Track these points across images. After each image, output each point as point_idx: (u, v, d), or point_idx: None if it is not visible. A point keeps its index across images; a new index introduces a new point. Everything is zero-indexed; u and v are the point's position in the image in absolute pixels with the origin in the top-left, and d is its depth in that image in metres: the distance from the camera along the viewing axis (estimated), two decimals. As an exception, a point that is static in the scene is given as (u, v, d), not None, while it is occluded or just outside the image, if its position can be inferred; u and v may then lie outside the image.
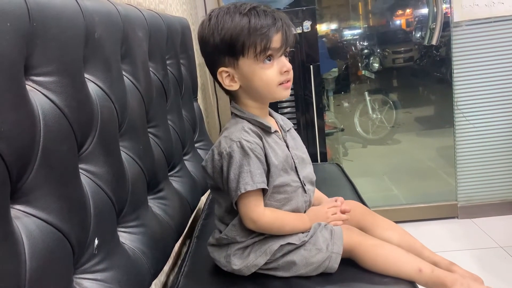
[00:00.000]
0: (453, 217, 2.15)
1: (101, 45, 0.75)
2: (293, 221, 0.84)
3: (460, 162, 2.14)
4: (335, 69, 3.04)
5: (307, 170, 0.91)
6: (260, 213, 0.80)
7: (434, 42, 1.83)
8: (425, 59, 3.15)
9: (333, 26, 3.18)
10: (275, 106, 1.55)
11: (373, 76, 3.14)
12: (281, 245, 0.81)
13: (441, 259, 0.87)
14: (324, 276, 0.83)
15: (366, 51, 3.17)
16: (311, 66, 1.54)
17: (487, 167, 2.11)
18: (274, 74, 0.81)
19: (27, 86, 0.55)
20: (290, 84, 0.85)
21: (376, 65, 3.11)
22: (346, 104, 3.24)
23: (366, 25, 3.33)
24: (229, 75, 0.83)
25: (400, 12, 3.25)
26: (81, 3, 0.70)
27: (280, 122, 0.92)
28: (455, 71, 2.02)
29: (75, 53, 0.66)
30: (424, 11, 3.01)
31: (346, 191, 1.25)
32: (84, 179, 0.67)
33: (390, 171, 2.79)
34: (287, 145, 0.89)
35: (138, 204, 0.83)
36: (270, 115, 0.92)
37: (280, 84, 0.82)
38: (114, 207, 0.73)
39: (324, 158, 1.59)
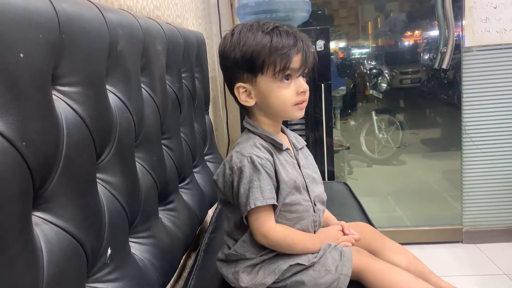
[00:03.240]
0: (458, 242, 2.13)
1: (123, 57, 0.77)
2: (304, 241, 0.84)
3: (466, 186, 2.13)
4: (343, 88, 3.06)
5: (319, 190, 0.91)
6: (271, 228, 0.81)
7: (444, 66, 1.84)
8: (433, 81, 3.17)
9: (343, 45, 3.22)
10: (285, 122, 1.56)
11: (380, 96, 3.16)
12: (290, 265, 0.81)
13: (448, 286, 0.86)
14: (331, 296, 0.82)
15: (374, 71, 3.20)
16: (322, 84, 1.55)
17: (494, 193, 2.10)
18: (291, 94, 0.82)
19: (53, 95, 0.56)
20: (305, 105, 0.85)
21: (384, 85, 3.14)
22: (352, 123, 3.25)
23: (375, 45, 3.36)
24: (246, 90, 0.84)
25: (409, 33, 3.29)
26: (106, 15, 0.72)
27: (292, 140, 0.93)
28: (464, 95, 2.03)
29: (99, 64, 0.68)
30: (433, 32, 3.05)
31: (354, 211, 1.25)
32: (100, 188, 0.68)
33: (394, 192, 2.78)
34: (298, 164, 0.89)
35: (150, 215, 0.84)
36: (283, 132, 0.93)
37: (296, 104, 0.83)
38: (127, 217, 0.74)
39: (331, 177, 1.59)
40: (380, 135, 3.22)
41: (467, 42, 1.95)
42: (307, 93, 0.84)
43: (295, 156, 0.90)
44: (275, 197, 0.81)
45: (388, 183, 3.00)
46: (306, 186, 0.88)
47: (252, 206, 0.78)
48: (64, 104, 0.59)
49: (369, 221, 1.17)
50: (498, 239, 2.09)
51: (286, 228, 0.83)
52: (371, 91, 3.18)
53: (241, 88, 0.84)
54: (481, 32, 1.93)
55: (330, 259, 0.82)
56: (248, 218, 0.81)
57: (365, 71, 3.19)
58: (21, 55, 0.48)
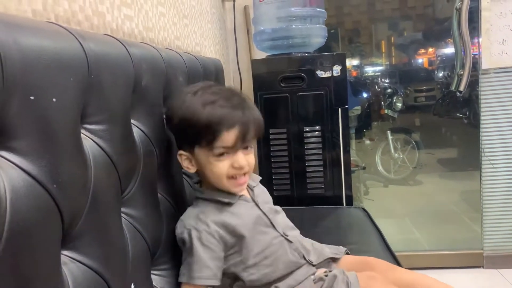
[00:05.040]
0: (479, 267, 2.08)
1: (147, 91, 0.78)
2: None
3: (486, 208, 2.09)
4: (358, 107, 3.05)
5: (282, 219, 0.91)
6: None
7: (461, 88, 1.83)
8: (448, 99, 3.15)
9: (357, 64, 3.23)
10: (302, 142, 1.57)
11: (396, 116, 3.15)
12: None
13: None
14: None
15: (389, 90, 3.19)
16: (339, 109, 1.55)
17: (516, 216, 2.05)
18: (224, 167, 0.80)
19: (81, 134, 0.58)
20: (243, 181, 0.83)
21: (399, 105, 3.13)
22: (367, 142, 3.24)
23: (389, 63, 3.36)
24: (187, 158, 0.83)
25: (422, 51, 3.29)
26: (130, 51, 0.74)
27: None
28: (482, 117, 2.00)
29: (124, 101, 0.69)
30: (447, 50, 3.04)
31: (373, 239, 1.23)
32: (124, 222, 0.68)
33: (412, 213, 2.74)
34: (257, 204, 0.88)
35: (170, 246, 0.84)
36: None
37: (231, 178, 0.81)
38: (149, 250, 0.74)
39: (349, 201, 1.58)
40: (396, 155, 3.20)
41: (484, 64, 1.94)
42: (246, 168, 0.82)
43: (252, 198, 0.89)
44: (210, 275, 0.77)
45: (405, 204, 2.96)
46: (271, 222, 0.87)
47: (179, 280, 0.78)
48: (91, 142, 0.60)
49: (389, 250, 1.15)
50: (521, 265, 2.03)
51: None
52: (386, 111, 3.16)
53: (183, 156, 0.83)
54: (498, 54, 1.92)
55: None
56: None
57: (379, 90, 3.19)
58: (54, 99, 0.49)
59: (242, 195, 0.87)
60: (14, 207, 0.42)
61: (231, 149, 0.79)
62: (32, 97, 0.46)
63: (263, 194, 0.92)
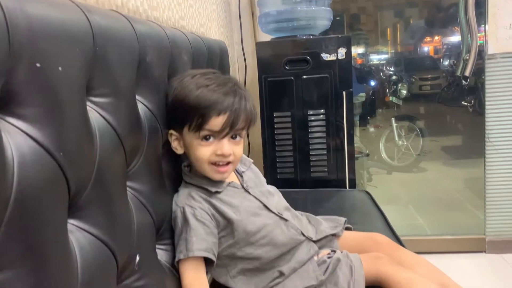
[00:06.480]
0: (481, 252, 2.09)
1: (152, 68, 0.78)
2: None
3: (489, 194, 2.09)
4: (363, 94, 3.04)
5: (275, 200, 0.91)
6: (196, 284, 0.76)
7: (467, 73, 1.82)
8: (453, 87, 3.13)
9: (362, 51, 3.21)
10: (306, 125, 1.57)
11: (400, 103, 3.14)
12: None
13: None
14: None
15: (394, 77, 3.18)
16: (343, 92, 1.55)
17: (519, 202, 2.05)
18: (207, 152, 0.80)
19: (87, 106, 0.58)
20: (225, 169, 0.82)
21: (404, 92, 3.11)
22: (372, 129, 3.23)
23: (394, 51, 3.34)
24: (177, 138, 0.84)
25: (428, 39, 3.26)
26: (135, 27, 0.74)
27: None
28: (487, 103, 1.99)
29: (129, 76, 0.70)
30: (453, 38, 3.02)
31: (376, 221, 1.23)
32: (130, 196, 0.69)
33: (415, 200, 2.75)
34: (247, 190, 0.88)
35: (175, 222, 0.85)
36: None
37: (212, 164, 0.81)
38: (154, 224, 0.75)
39: (352, 185, 1.58)
40: (400, 142, 3.19)
41: (491, 49, 1.92)
42: (231, 157, 0.81)
43: (241, 184, 0.89)
44: (208, 248, 0.77)
45: (409, 191, 2.97)
46: (264, 205, 0.87)
47: (176, 259, 0.77)
48: (97, 115, 0.60)
49: (391, 231, 1.16)
50: (523, 250, 2.04)
51: None
52: (390, 98, 3.15)
53: (173, 135, 0.83)
54: (505, 39, 1.90)
55: (341, 276, 0.82)
56: (180, 272, 0.78)
57: (384, 77, 3.18)
58: (60, 68, 0.50)
59: (232, 181, 0.87)
60: (21, 171, 0.42)
61: (218, 135, 0.79)
62: (38, 65, 0.46)
63: (254, 178, 0.92)
